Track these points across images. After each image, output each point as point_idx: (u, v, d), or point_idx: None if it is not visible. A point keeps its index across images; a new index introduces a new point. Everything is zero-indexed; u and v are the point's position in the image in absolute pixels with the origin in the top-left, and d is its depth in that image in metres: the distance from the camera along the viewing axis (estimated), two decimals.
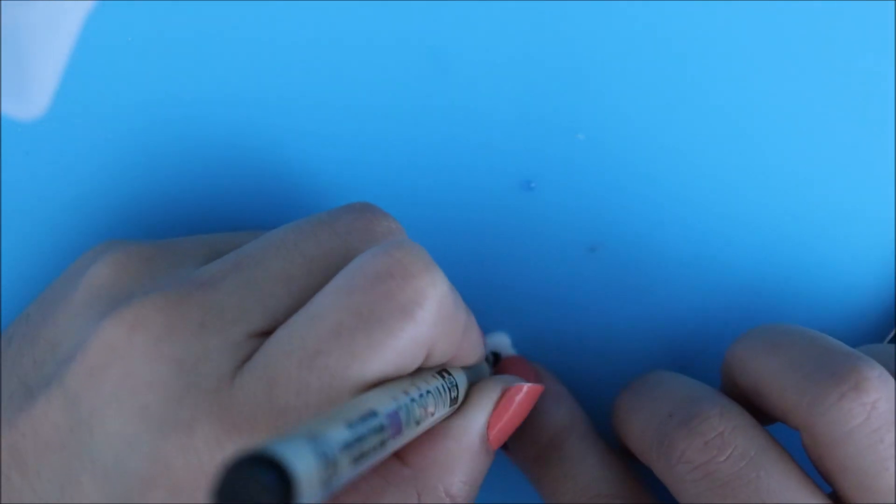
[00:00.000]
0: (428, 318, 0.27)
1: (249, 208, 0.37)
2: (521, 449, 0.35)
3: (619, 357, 0.38)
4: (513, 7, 0.35)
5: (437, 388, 0.29)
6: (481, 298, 0.38)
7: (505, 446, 0.37)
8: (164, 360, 0.27)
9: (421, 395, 0.27)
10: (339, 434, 0.21)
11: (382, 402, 0.25)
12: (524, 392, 0.32)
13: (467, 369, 0.32)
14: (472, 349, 0.31)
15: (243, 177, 0.36)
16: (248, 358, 0.27)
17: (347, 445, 0.21)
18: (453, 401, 0.30)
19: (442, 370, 0.30)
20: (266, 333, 0.28)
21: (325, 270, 0.29)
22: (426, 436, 0.30)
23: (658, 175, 0.37)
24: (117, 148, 0.36)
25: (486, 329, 0.38)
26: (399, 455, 0.30)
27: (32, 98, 0.32)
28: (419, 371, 0.29)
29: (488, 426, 0.31)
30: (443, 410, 0.29)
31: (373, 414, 0.24)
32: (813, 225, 0.37)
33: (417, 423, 0.27)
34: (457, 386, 0.30)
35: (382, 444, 0.24)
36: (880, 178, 0.37)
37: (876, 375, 0.28)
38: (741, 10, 0.35)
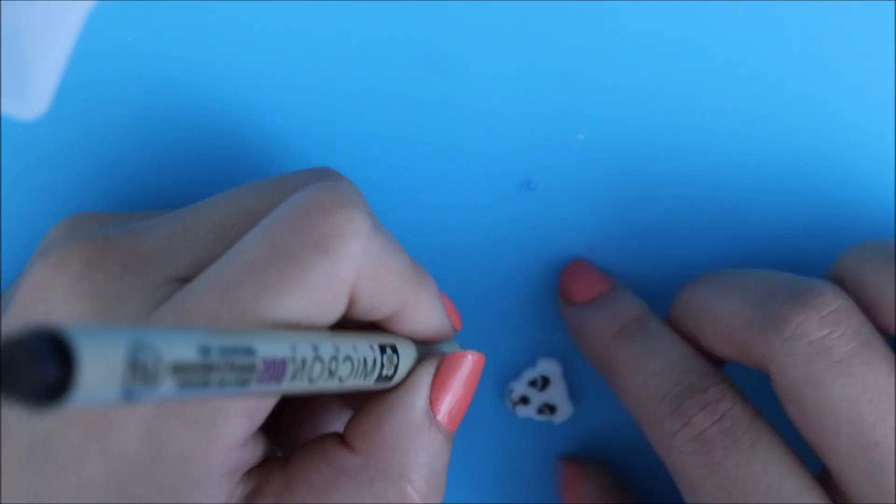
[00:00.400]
0: (345, 254, 0.26)
1: None
2: (598, 326, 0.34)
3: None
4: (513, 7, 0.35)
5: (363, 358, 0.27)
6: (481, 298, 0.38)
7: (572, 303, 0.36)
8: (82, 297, 0.27)
9: (334, 358, 0.26)
10: (173, 347, 0.20)
11: (273, 344, 0.23)
12: (468, 363, 0.30)
13: (426, 346, 0.31)
14: (423, 312, 0.30)
15: (243, 176, 0.36)
16: (167, 299, 0.27)
17: (180, 363, 0.20)
18: (383, 378, 0.28)
19: (387, 345, 0.29)
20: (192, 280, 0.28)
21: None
22: (369, 417, 0.29)
23: (658, 175, 0.37)
24: (117, 148, 0.36)
25: (488, 332, 0.38)
26: (346, 442, 0.29)
27: (32, 98, 0.32)
28: (355, 332, 0.28)
29: (431, 401, 0.30)
30: (361, 381, 0.27)
31: (248, 350, 0.22)
32: (813, 225, 0.37)
33: (311, 380, 0.25)
34: (396, 365, 0.29)
35: (243, 382, 0.22)
36: (880, 178, 0.37)
37: None
38: (741, 11, 0.35)
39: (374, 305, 0.28)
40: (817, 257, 0.37)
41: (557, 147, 0.36)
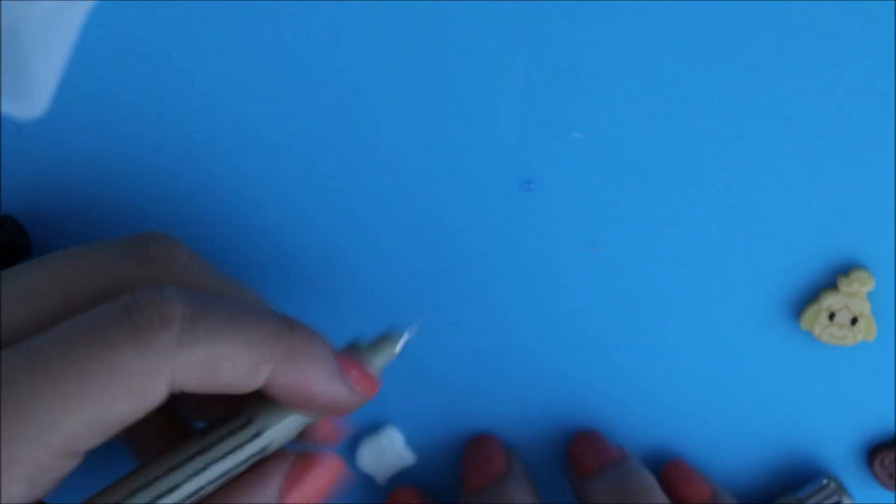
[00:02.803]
0: (155, 345, 0.27)
1: (248, 204, 0.37)
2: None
3: (618, 356, 0.39)
4: (512, 7, 0.35)
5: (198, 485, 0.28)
6: (480, 298, 0.38)
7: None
8: None
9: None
10: None
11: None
12: (322, 467, 0.30)
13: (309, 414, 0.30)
14: (299, 380, 0.28)
15: (242, 173, 0.36)
16: None
17: None
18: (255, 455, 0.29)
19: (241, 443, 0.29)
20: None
21: (78, 288, 0.29)
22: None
23: (658, 175, 0.37)
24: (117, 148, 0.36)
25: (479, 322, 0.38)
26: None
27: (32, 98, 0.32)
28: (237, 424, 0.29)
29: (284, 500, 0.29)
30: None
31: None
32: (812, 225, 0.37)
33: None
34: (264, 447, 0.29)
35: None
36: (880, 178, 0.37)
37: None
38: (741, 10, 0.35)
39: (224, 383, 0.28)
40: (816, 256, 0.37)
41: (557, 147, 0.36)
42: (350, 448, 0.39)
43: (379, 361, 0.31)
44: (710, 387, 0.39)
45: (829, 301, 0.37)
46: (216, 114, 0.36)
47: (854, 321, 0.37)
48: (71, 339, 0.26)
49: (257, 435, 0.29)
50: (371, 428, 0.39)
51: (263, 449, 0.29)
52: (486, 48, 0.35)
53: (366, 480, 0.39)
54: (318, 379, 0.29)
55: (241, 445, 0.29)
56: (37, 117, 0.33)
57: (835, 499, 0.38)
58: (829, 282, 0.37)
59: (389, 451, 0.38)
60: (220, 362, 0.27)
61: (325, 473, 0.30)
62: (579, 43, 0.35)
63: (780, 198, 0.37)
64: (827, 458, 0.39)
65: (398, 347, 0.31)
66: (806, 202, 0.37)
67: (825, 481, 0.38)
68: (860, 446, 0.39)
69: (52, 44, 0.32)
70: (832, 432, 0.39)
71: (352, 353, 0.30)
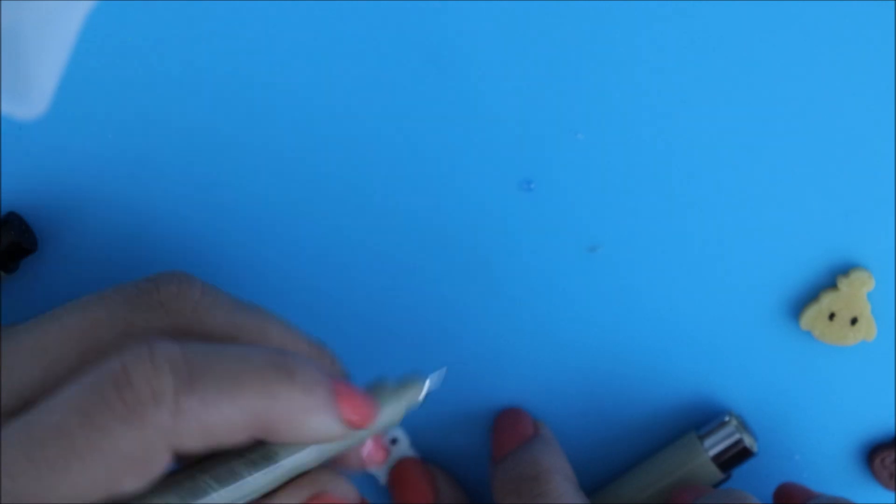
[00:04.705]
0: (151, 422, 0.27)
1: (248, 200, 0.37)
2: (500, 473, 0.36)
3: (618, 355, 0.39)
4: (513, 7, 0.35)
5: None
6: (479, 297, 0.38)
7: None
8: None
9: None
10: None
11: None
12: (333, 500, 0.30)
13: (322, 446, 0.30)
14: (297, 420, 0.29)
15: (243, 170, 0.36)
16: None
17: None
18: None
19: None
20: (14, 411, 0.28)
21: (89, 341, 0.29)
22: None
23: (658, 175, 0.37)
24: (117, 147, 0.36)
25: (490, 329, 0.38)
26: None
27: (32, 98, 0.32)
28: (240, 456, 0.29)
29: None
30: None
31: None
32: (813, 225, 0.37)
33: None
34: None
35: None
36: (880, 178, 0.37)
37: None
38: (741, 11, 0.35)
39: (224, 439, 0.28)
40: (816, 256, 0.37)
41: (557, 147, 0.36)
42: None
43: (401, 406, 0.31)
44: (709, 386, 0.39)
45: (829, 301, 0.37)
46: (216, 112, 0.36)
47: (854, 321, 0.37)
48: (70, 429, 0.26)
49: (270, 460, 0.29)
50: None
51: (280, 475, 0.29)
52: (487, 48, 0.35)
53: (370, 480, 0.39)
54: (312, 427, 0.29)
55: (252, 471, 0.29)
56: (37, 117, 0.33)
57: (736, 436, 0.37)
58: (829, 282, 0.37)
59: (394, 452, 0.38)
60: (216, 430, 0.28)
61: None
62: (579, 43, 0.35)
63: (780, 198, 0.37)
64: (827, 457, 0.39)
65: (422, 394, 0.31)
66: (806, 202, 0.37)
67: (727, 418, 0.38)
68: (860, 446, 0.39)
69: (52, 44, 0.32)
70: (832, 432, 0.39)
71: (372, 392, 0.31)
